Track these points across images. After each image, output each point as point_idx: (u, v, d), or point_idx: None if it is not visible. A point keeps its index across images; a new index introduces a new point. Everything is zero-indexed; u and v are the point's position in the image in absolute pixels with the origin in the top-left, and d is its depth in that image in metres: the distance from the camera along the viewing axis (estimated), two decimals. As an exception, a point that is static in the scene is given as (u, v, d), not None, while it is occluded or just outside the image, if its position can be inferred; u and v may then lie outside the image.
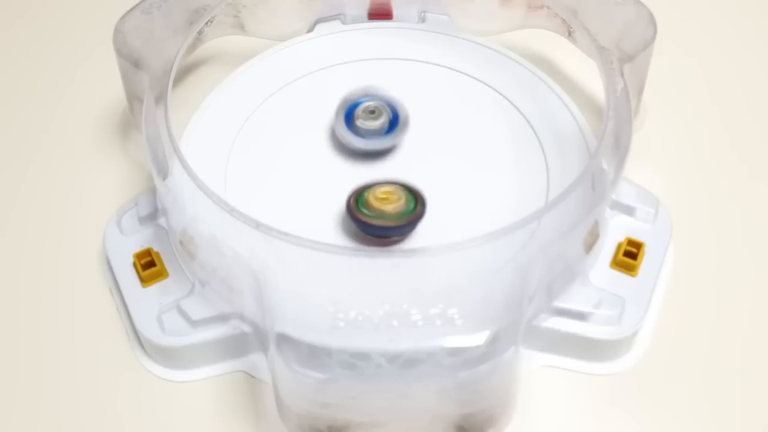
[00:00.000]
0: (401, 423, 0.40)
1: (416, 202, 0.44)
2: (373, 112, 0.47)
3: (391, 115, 0.47)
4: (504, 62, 0.51)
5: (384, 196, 0.44)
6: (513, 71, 0.50)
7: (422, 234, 0.44)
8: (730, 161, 0.50)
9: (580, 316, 0.42)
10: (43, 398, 0.43)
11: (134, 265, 0.44)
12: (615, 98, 0.44)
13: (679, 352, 0.44)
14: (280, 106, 0.49)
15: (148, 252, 0.44)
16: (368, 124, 0.47)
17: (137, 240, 0.45)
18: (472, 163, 0.47)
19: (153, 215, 0.46)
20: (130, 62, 0.47)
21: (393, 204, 0.43)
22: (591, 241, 0.43)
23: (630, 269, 0.44)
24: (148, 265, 0.44)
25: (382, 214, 0.43)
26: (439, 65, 0.51)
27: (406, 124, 0.47)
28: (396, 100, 0.47)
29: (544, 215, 0.40)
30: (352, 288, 0.39)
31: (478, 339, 0.38)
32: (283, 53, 0.52)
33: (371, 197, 0.44)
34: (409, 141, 0.47)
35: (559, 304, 0.42)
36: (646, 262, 0.44)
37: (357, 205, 0.44)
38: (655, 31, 0.47)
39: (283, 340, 0.38)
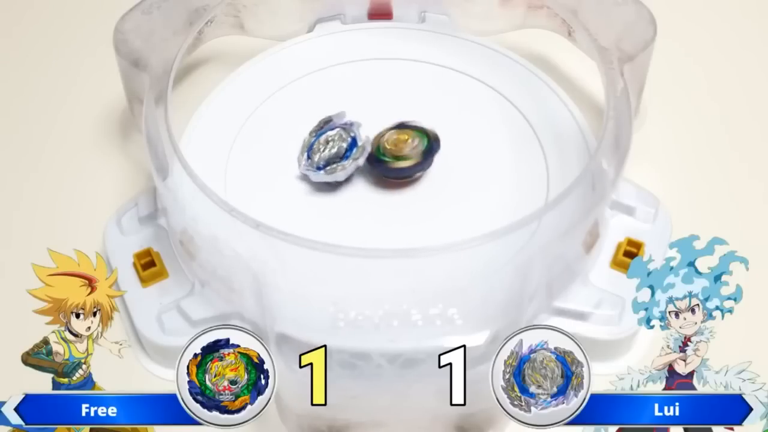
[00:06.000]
0: (401, 423, 0.40)
1: (428, 137, 0.46)
2: (328, 142, 0.46)
3: (349, 140, 0.46)
4: (504, 62, 0.51)
5: (399, 138, 0.46)
6: (513, 71, 0.50)
7: (423, 232, 0.44)
8: (730, 161, 0.50)
9: (580, 316, 0.42)
10: (43, 398, 0.43)
11: (134, 265, 0.44)
12: (615, 98, 0.44)
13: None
14: (280, 106, 0.49)
15: (148, 252, 0.44)
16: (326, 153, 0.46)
17: (137, 240, 0.45)
18: (472, 163, 0.47)
19: (153, 215, 0.46)
20: (130, 62, 0.47)
21: (408, 144, 0.46)
22: (591, 241, 0.43)
23: (630, 269, 0.44)
24: (148, 265, 0.44)
25: (402, 156, 0.45)
26: (439, 65, 0.51)
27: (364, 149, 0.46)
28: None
29: (544, 215, 0.40)
30: (352, 288, 0.39)
31: (478, 339, 0.38)
32: (283, 53, 0.52)
33: (386, 143, 0.46)
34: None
35: (559, 304, 0.42)
36: (646, 262, 0.44)
37: (377, 154, 0.46)
38: (655, 31, 0.47)
39: (283, 340, 0.38)
